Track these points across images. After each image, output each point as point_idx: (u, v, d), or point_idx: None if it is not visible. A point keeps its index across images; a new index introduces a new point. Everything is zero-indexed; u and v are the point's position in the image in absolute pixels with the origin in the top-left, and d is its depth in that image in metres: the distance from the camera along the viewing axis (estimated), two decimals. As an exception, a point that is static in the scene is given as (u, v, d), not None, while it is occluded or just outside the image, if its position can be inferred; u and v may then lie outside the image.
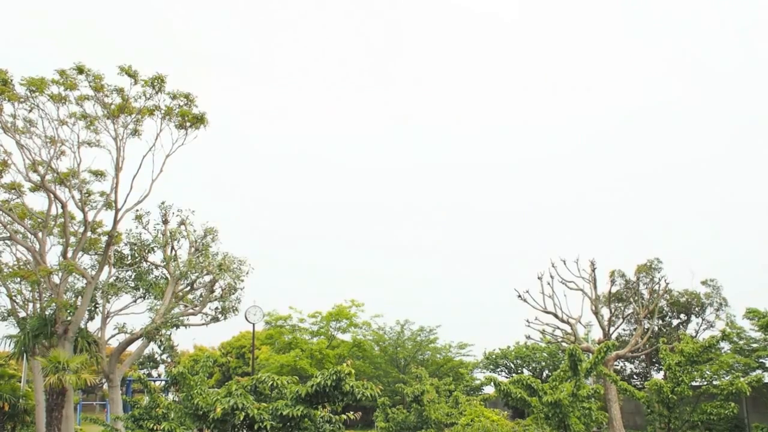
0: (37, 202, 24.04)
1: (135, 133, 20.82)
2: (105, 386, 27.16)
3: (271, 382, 14.19)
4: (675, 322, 32.26)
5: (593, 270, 27.35)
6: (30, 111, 19.89)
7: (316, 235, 77.29)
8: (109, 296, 22.73)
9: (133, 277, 23.82)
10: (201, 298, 23.74)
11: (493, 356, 37.76)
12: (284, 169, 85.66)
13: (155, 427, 13.77)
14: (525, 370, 36.79)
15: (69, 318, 20.42)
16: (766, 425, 22.05)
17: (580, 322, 27.37)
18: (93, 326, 22.63)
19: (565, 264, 27.37)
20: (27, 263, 23.64)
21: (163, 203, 23.76)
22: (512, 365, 37.30)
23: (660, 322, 31.56)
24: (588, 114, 78.59)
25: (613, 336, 28.61)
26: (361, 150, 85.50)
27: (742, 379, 17.46)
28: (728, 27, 70.75)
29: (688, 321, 31.86)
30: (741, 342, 27.19)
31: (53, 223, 23.02)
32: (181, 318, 22.33)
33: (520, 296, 27.50)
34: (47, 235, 22.64)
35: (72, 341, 20.20)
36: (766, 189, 59.12)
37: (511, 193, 79.77)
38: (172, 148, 20.98)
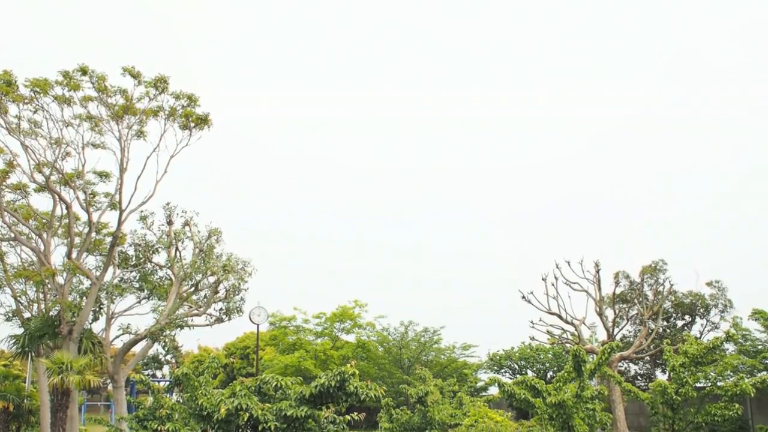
0: (41, 202, 24.16)
1: (140, 134, 20.88)
2: (110, 387, 27.20)
3: (275, 383, 14.18)
4: (679, 323, 32.15)
5: (597, 271, 27.26)
6: (35, 112, 19.96)
7: (320, 236, 77.43)
8: (114, 297, 22.79)
9: (137, 278, 23.86)
10: (205, 299, 23.75)
11: (497, 357, 37.68)
12: (290, 169, 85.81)
13: (159, 428, 13.80)
14: (529, 371, 36.69)
15: (73, 319, 20.47)
16: (772, 427, 21.97)
17: (585, 324, 27.28)
18: (97, 327, 22.74)
19: (569, 265, 27.30)
20: (31, 264, 23.73)
21: (167, 204, 23.83)
22: (516, 366, 37.22)
23: (664, 323, 31.44)
24: (591, 116, 78.52)
25: (618, 337, 28.51)
26: (368, 151, 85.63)
27: (746, 380, 17.40)
28: (724, 26, 70.58)
29: (692, 322, 31.74)
30: (747, 343, 27.07)
31: (58, 223, 23.10)
32: (185, 319, 22.35)
33: (524, 297, 27.40)
34: (52, 235, 22.72)
35: (76, 342, 20.26)
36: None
37: (516, 195, 79.73)
38: (177, 148, 21.04)
